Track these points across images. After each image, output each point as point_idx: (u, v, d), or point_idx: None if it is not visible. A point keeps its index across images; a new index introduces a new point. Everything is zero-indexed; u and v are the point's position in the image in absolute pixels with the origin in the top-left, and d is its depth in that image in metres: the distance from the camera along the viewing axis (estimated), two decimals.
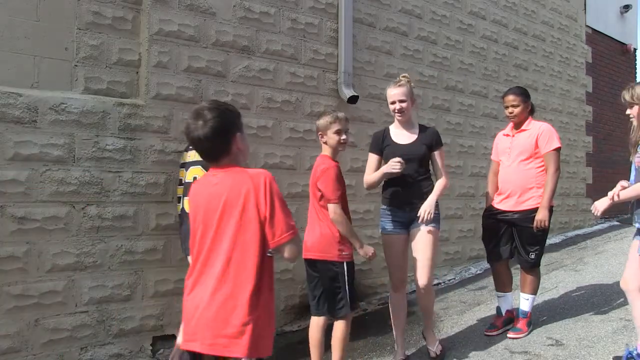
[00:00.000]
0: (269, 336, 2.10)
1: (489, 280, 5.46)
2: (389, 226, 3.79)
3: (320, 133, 3.52)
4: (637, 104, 3.30)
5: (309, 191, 3.50)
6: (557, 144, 4.14)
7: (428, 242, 3.67)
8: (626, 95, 3.39)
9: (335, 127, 3.45)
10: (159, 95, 4.16)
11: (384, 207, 3.85)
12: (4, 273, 3.49)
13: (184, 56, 4.28)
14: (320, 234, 3.40)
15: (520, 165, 4.17)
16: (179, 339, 2.19)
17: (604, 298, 4.76)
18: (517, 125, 4.28)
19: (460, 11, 6.70)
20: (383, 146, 3.81)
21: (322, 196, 3.40)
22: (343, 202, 3.46)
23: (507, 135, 4.36)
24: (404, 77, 3.79)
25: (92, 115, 3.85)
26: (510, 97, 4.26)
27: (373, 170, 3.82)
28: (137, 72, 4.14)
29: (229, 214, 2.08)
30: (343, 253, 3.39)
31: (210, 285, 2.06)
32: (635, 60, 11.00)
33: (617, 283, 5.30)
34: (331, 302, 3.42)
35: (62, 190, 3.71)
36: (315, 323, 3.47)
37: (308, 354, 3.77)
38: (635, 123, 3.34)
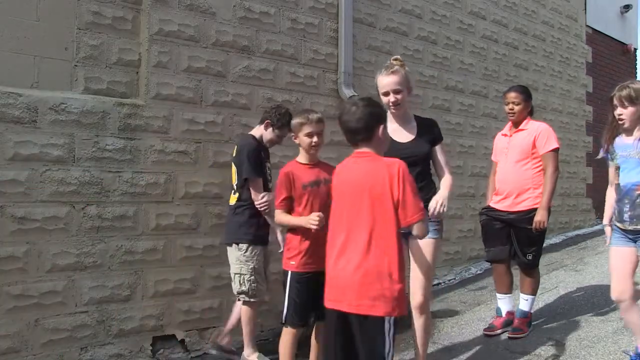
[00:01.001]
0: (403, 298, 2.43)
1: (489, 280, 5.46)
2: None
3: (292, 134, 3.31)
4: (636, 103, 3.15)
5: None
6: (555, 145, 4.11)
7: (425, 255, 3.21)
8: (623, 94, 3.16)
9: (306, 129, 3.19)
10: (159, 95, 4.16)
11: None
12: (4, 273, 3.49)
13: (184, 56, 4.28)
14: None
15: (517, 166, 4.14)
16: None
17: (604, 298, 4.75)
18: (516, 125, 4.25)
19: (460, 11, 6.70)
20: None
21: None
22: (315, 205, 3.18)
23: (505, 135, 4.33)
24: (396, 60, 3.23)
25: (92, 115, 3.85)
26: (513, 94, 4.23)
27: None
28: (137, 72, 4.14)
29: (369, 196, 2.44)
30: (290, 262, 3.20)
31: (356, 255, 2.42)
32: (636, 60, 11.00)
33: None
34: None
35: (62, 190, 3.71)
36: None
37: (308, 354, 3.77)
38: (627, 124, 3.19)
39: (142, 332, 4.03)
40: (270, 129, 3.95)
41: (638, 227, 3.15)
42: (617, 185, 3.25)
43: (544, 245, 4.41)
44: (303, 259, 3.17)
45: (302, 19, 5.04)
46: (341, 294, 2.44)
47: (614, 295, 3.28)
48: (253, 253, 3.80)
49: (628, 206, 3.17)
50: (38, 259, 3.62)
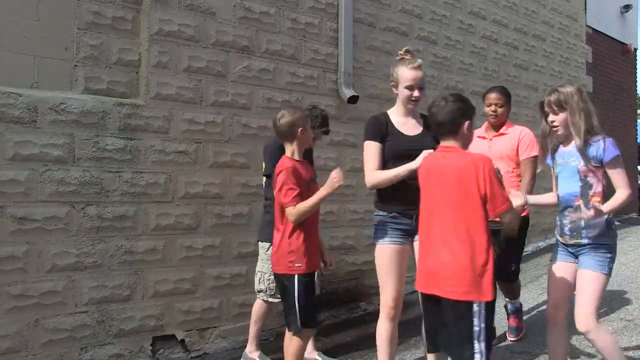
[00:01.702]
0: (491, 284, 2.56)
1: None
2: (388, 236, 3.14)
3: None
4: (565, 109, 2.87)
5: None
6: (536, 152, 3.86)
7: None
8: (552, 99, 2.89)
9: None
10: (159, 95, 4.16)
11: (382, 213, 3.18)
12: (4, 273, 3.49)
13: (184, 56, 4.28)
14: (275, 243, 3.18)
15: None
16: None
17: (604, 298, 4.75)
18: (496, 128, 4.07)
19: (460, 11, 6.70)
20: (386, 134, 3.16)
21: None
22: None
23: (483, 137, 4.08)
24: (408, 52, 3.23)
25: (92, 115, 3.85)
26: (495, 95, 4.03)
27: (377, 163, 3.12)
28: (137, 72, 4.14)
29: (459, 190, 2.57)
30: (296, 265, 3.07)
31: (451, 246, 2.57)
32: (635, 60, 11.01)
33: (617, 283, 5.30)
34: (286, 315, 3.18)
35: (62, 190, 3.71)
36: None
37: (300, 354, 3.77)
38: (561, 131, 2.91)
39: (142, 332, 4.03)
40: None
41: (579, 240, 2.88)
42: (557, 196, 3.01)
43: (544, 245, 4.40)
44: (310, 259, 3.10)
45: (302, 19, 5.04)
46: (435, 281, 2.61)
47: (548, 311, 3.06)
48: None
49: (568, 219, 2.91)
50: (38, 259, 3.62)
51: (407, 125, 3.20)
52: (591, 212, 2.78)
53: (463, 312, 2.55)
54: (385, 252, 3.16)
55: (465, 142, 2.73)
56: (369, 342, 4.39)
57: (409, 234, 3.14)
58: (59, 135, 3.71)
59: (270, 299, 3.82)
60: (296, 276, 3.07)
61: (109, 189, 3.91)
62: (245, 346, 4.01)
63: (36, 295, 3.59)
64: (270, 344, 4.47)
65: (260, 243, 3.86)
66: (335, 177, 3.02)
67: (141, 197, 4.05)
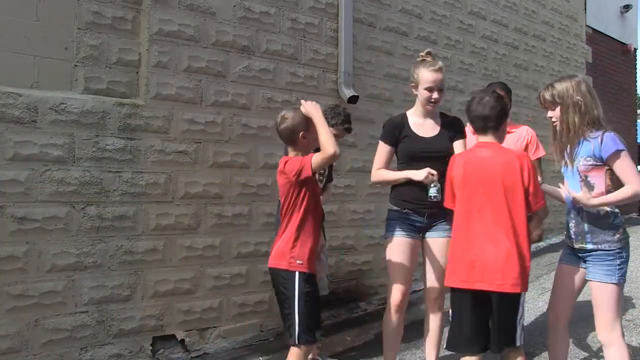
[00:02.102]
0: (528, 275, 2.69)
1: None
2: (400, 229, 3.23)
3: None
4: (559, 104, 2.79)
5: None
6: (543, 152, 3.87)
7: (442, 253, 3.18)
8: (546, 95, 2.85)
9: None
10: (159, 95, 4.16)
11: (395, 209, 3.29)
12: (4, 273, 3.49)
13: (184, 56, 4.28)
14: (278, 235, 3.05)
15: None
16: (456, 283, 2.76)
17: None
18: None
19: (460, 11, 6.70)
20: (400, 137, 3.25)
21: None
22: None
23: None
24: (429, 54, 3.29)
25: (92, 115, 3.85)
26: (502, 93, 4.01)
27: (384, 163, 3.26)
28: (137, 72, 4.14)
29: (503, 184, 2.64)
30: (297, 262, 2.89)
31: (496, 239, 2.62)
32: (635, 60, 11.01)
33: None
34: (284, 322, 2.95)
35: (62, 190, 3.71)
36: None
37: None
38: (559, 127, 2.81)
39: (142, 332, 4.03)
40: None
41: (584, 245, 2.79)
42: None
43: (544, 245, 4.40)
44: (311, 259, 2.94)
45: (302, 19, 5.04)
46: (481, 275, 2.65)
47: (550, 316, 3.01)
48: None
49: (573, 221, 2.83)
50: (38, 259, 3.62)
51: (424, 127, 3.28)
52: (590, 200, 2.65)
53: (512, 304, 2.66)
54: (395, 245, 3.24)
55: (501, 139, 2.85)
56: (369, 342, 4.39)
57: (421, 230, 3.25)
58: (59, 135, 3.71)
59: None
60: (297, 274, 2.88)
61: (109, 189, 3.91)
62: (245, 346, 4.01)
63: (36, 295, 3.59)
64: (270, 344, 4.48)
65: None
66: (305, 104, 2.95)
67: (141, 197, 4.05)
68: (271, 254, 3.04)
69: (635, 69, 11.01)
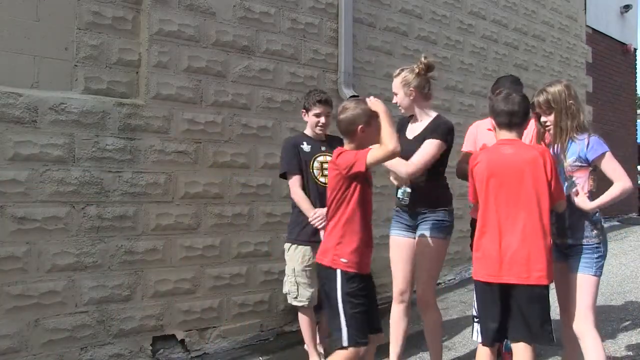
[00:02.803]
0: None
1: None
2: (396, 227, 3.47)
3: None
4: (553, 109, 2.90)
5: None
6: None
7: (430, 254, 3.29)
8: (541, 100, 2.93)
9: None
10: (159, 95, 4.16)
11: (396, 208, 3.53)
12: (4, 273, 3.49)
13: (184, 56, 4.28)
14: (327, 230, 2.93)
15: None
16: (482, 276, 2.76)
17: (604, 298, 4.75)
18: None
19: (460, 11, 6.70)
20: (398, 136, 3.40)
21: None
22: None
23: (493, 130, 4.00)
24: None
25: (92, 115, 3.85)
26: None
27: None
28: (137, 72, 4.14)
29: (532, 178, 2.69)
30: (341, 260, 2.76)
31: (524, 232, 2.67)
32: (635, 60, 11.00)
33: (618, 283, 5.31)
34: (330, 324, 2.84)
35: (62, 190, 3.71)
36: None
37: (308, 355, 3.77)
38: (553, 130, 2.94)
39: (142, 332, 4.03)
40: (307, 115, 3.88)
41: (565, 240, 2.93)
42: None
43: None
44: (359, 257, 2.80)
45: (302, 19, 5.04)
46: (509, 269, 2.69)
47: (562, 316, 3.07)
48: (294, 254, 3.71)
49: (555, 218, 2.90)
50: (38, 259, 3.62)
51: (413, 128, 3.45)
52: (587, 204, 2.82)
53: (540, 296, 2.68)
54: (391, 242, 3.49)
55: (521, 136, 2.88)
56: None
57: (414, 228, 3.39)
58: (59, 135, 3.71)
59: (294, 303, 3.72)
60: (339, 272, 2.73)
61: (109, 189, 3.91)
62: (245, 346, 4.01)
63: (36, 295, 3.59)
64: (270, 344, 4.48)
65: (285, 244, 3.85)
66: (372, 100, 2.88)
67: (141, 197, 4.05)
68: (321, 244, 2.95)
69: (635, 69, 11.01)
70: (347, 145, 2.90)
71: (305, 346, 3.81)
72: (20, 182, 3.56)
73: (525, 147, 2.84)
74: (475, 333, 3.12)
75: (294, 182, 3.72)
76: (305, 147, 3.79)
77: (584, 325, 2.81)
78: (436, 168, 3.31)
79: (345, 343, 2.69)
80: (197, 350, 4.27)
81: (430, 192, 3.32)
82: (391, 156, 2.77)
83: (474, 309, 2.95)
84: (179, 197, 4.22)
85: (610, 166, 2.83)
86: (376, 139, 2.79)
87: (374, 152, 2.73)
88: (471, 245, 3.09)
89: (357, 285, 2.75)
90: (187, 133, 4.27)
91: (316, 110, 3.81)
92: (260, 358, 4.21)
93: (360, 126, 2.81)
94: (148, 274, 4.06)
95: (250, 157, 4.61)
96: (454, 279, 6.19)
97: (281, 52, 4.87)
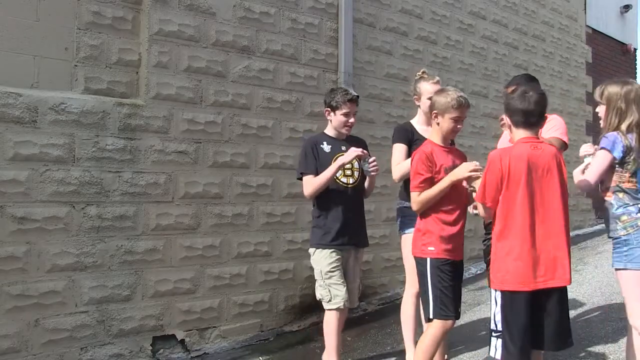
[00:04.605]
0: None
1: None
2: (407, 224, 3.57)
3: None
4: (603, 105, 2.98)
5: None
6: (566, 138, 3.71)
7: (405, 250, 3.54)
8: (597, 93, 3.05)
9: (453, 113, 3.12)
10: (159, 95, 4.16)
11: (406, 204, 3.52)
12: (4, 273, 3.49)
13: (184, 56, 4.28)
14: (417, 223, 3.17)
15: None
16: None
17: (604, 298, 4.75)
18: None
19: (460, 11, 6.70)
20: (413, 139, 3.59)
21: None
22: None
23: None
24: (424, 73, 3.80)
25: (92, 115, 3.85)
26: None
27: (404, 159, 3.55)
28: (137, 72, 4.14)
29: (558, 176, 2.70)
30: (428, 248, 3.02)
31: (556, 232, 2.65)
32: (635, 60, 11.00)
33: (618, 283, 5.29)
34: (422, 302, 3.15)
35: (62, 190, 3.71)
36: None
37: (308, 355, 3.77)
38: (602, 123, 3.03)
39: (142, 332, 4.03)
40: (332, 114, 3.67)
41: (612, 235, 2.94)
42: None
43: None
44: (445, 244, 3.06)
45: (302, 19, 5.04)
46: (550, 271, 2.64)
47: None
48: (319, 257, 3.59)
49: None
50: (38, 259, 3.62)
51: (426, 132, 3.55)
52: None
53: (565, 298, 2.70)
54: (404, 241, 3.60)
55: (538, 134, 2.87)
56: (369, 341, 4.39)
57: None
58: (59, 135, 3.71)
59: (326, 306, 3.56)
60: (428, 260, 3.02)
61: (109, 189, 3.91)
62: (245, 346, 4.01)
63: (36, 295, 3.60)
64: (270, 344, 4.48)
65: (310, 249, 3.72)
66: (467, 166, 2.91)
67: (141, 197, 4.05)
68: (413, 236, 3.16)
69: (635, 69, 11.01)
70: (433, 131, 3.16)
71: (324, 355, 3.64)
72: (21, 182, 3.56)
73: (550, 148, 2.79)
74: (493, 349, 2.88)
75: (309, 179, 3.58)
76: (326, 147, 3.64)
77: (635, 320, 2.92)
78: None
79: (431, 315, 2.99)
80: (197, 350, 4.27)
81: None
82: None
83: (493, 323, 2.79)
84: (179, 197, 4.22)
85: (593, 161, 2.90)
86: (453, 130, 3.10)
87: (414, 197, 3.04)
88: (484, 251, 3.08)
89: (445, 271, 3.06)
90: (187, 133, 4.27)
91: (345, 109, 3.61)
92: (260, 358, 4.21)
93: (435, 112, 3.07)
94: (148, 274, 4.07)
95: (250, 157, 4.61)
96: None
97: (281, 52, 4.87)
